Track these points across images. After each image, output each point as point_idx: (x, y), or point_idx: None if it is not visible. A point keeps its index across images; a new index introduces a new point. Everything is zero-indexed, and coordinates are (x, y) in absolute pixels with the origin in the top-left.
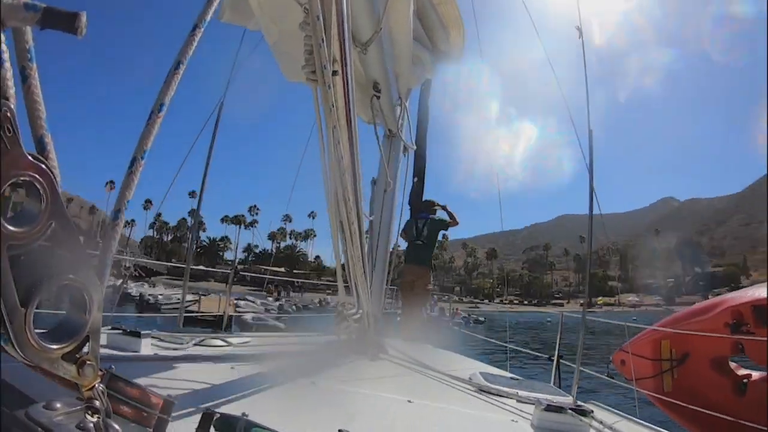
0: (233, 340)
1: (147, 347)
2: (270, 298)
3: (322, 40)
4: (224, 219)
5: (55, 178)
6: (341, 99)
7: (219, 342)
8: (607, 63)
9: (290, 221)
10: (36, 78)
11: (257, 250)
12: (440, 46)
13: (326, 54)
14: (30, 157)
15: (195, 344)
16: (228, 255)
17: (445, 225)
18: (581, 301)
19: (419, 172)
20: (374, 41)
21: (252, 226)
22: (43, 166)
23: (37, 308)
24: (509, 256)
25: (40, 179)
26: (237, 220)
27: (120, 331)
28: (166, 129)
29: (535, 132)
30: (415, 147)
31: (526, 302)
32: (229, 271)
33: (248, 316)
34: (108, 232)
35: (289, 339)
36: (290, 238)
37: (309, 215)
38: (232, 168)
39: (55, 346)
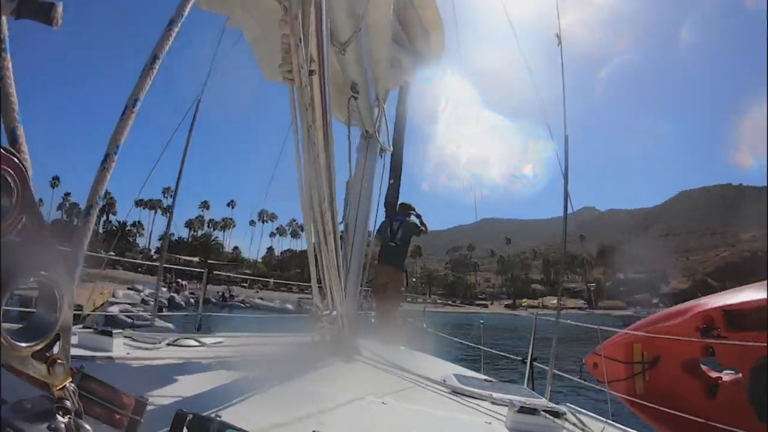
0: (206, 340)
1: (119, 347)
2: (164, 289)
3: (300, 39)
4: (139, 203)
5: (26, 171)
6: (318, 99)
7: (192, 342)
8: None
9: (208, 209)
10: (9, 69)
11: (174, 238)
12: (420, 49)
13: (303, 53)
14: (1, 149)
15: (168, 344)
16: (141, 241)
17: (418, 231)
18: (506, 303)
19: (395, 174)
20: (353, 42)
21: (167, 212)
22: (15, 158)
23: (6, 305)
24: (431, 256)
25: (11, 172)
26: (152, 205)
27: (91, 330)
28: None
29: (498, 134)
30: (391, 149)
31: (450, 302)
32: (202, 271)
33: (114, 309)
34: (80, 228)
35: (262, 339)
36: (208, 226)
37: (228, 204)
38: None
39: (24, 344)
